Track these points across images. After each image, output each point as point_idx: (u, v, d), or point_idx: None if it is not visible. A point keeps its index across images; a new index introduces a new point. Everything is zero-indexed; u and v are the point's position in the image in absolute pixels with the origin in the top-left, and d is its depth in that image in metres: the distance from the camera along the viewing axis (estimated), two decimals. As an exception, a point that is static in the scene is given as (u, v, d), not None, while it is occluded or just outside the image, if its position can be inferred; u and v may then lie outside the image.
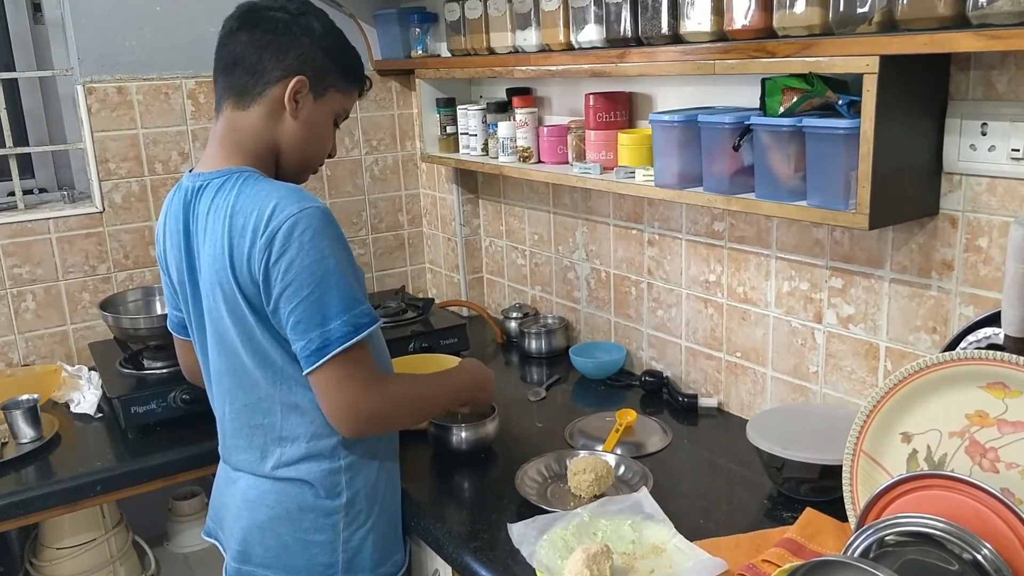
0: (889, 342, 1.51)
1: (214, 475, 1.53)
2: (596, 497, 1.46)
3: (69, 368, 2.15)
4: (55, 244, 2.22)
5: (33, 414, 1.82)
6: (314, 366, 1.24)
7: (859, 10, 1.21)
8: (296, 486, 1.37)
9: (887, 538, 1.06)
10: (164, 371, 1.96)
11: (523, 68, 1.88)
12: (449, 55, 2.20)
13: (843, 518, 1.28)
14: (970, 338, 1.30)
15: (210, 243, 1.28)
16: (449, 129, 2.33)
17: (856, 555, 1.07)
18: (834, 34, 1.26)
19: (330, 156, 1.45)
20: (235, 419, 1.39)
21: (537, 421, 1.87)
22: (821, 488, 1.40)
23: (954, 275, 1.39)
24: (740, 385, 1.82)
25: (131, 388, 1.88)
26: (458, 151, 2.32)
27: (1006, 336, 1.18)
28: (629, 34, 1.60)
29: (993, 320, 1.28)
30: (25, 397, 1.85)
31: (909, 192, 1.33)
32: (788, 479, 1.44)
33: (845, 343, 1.58)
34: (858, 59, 1.21)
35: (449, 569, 1.46)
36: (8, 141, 2.21)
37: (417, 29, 2.35)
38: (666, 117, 1.57)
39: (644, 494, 1.43)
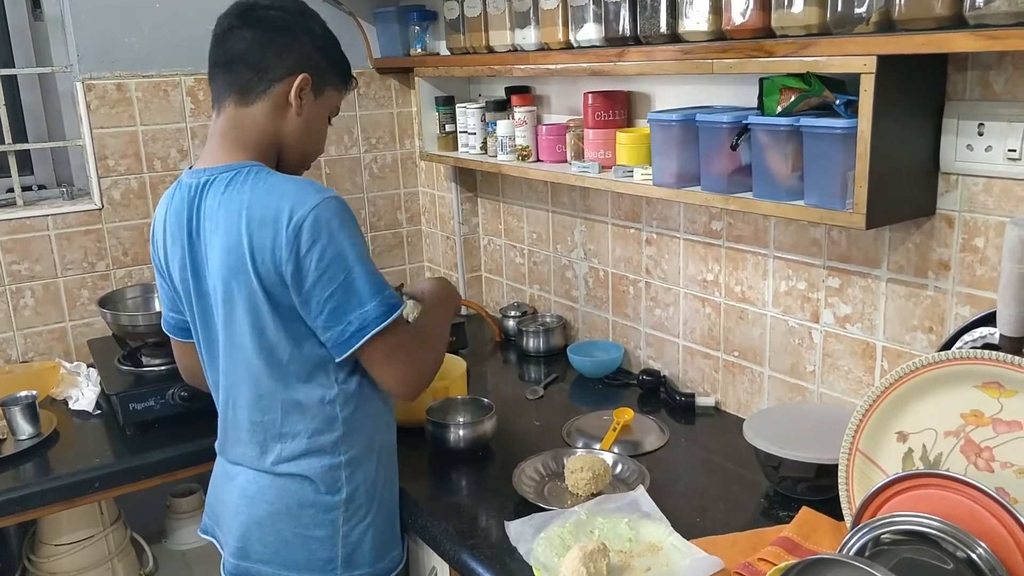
0: (886, 341, 1.51)
1: (211, 472, 1.54)
2: (593, 495, 1.47)
3: (68, 365, 2.15)
4: (54, 241, 2.22)
5: (31, 411, 1.83)
6: (353, 348, 1.29)
7: (857, 10, 1.21)
8: (296, 482, 1.37)
9: (882, 537, 1.07)
10: (162, 368, 1.96)
11: (522, 67, 1.89)
12: (448, 53, 2.20)
13: (839, 517, 1.28)
14: (966, 337, 1.30)
15: (223, 236, 1.28)
16: (448, 127, 2.33)
17: (851, 553, 1.07)
18: (832, 34, 1.26)
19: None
20: (237, 414, 1.39)
21: (535, 419, 1.87)
22: (817, 487, 1.41)
23: (950, 275, 1.39)
24: (737, 384, 1.82)
25: (129, 385, 1.89)
26: (457, 149, 2.32)
27: (1001, 336, 1.18)
28: (628, 33, 1.60)
29: (989, 320, 1.28)
30: (24, 394, 1.85)
31: (906, 192, 1.33)
32: (784, 478, 1.44)
33: (842, 342, 1.58)
34: (855, 59, 1.21)
35: (446, 566, 1.47)
36: (7, 137, 2.21)
37: (416, 27, 2.35)
38: (664, 116, 1.57)
39: (641, 492, 1.43)
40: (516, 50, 1.92)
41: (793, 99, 1.37)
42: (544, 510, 1.42)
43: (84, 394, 2.02)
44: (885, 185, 1.27)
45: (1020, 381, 1.10)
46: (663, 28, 1.52)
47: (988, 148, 1.28)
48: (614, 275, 2.10)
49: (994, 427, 1.13)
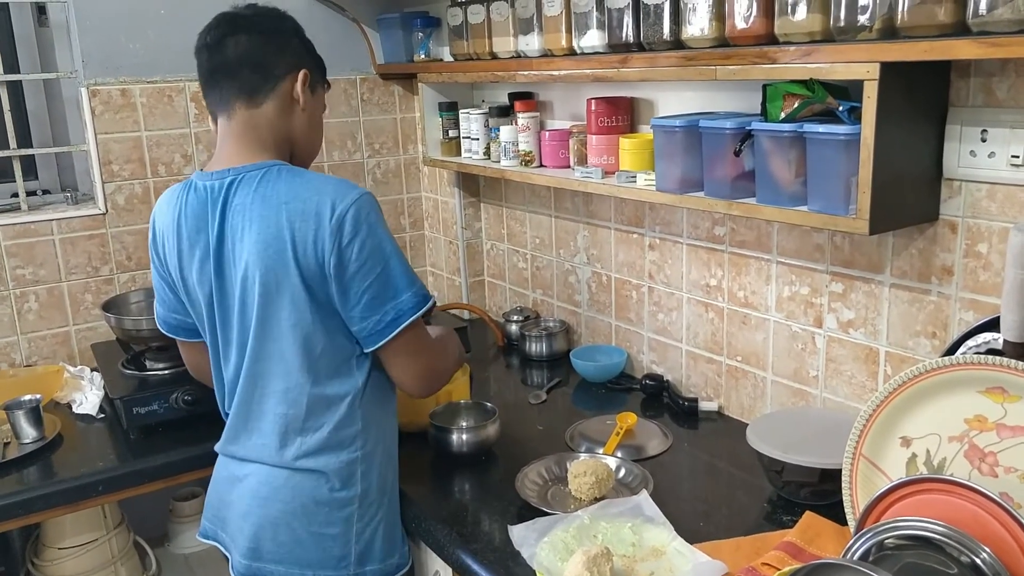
0: (889, 347, 1.51)
1: (214, 476, 1.54)
2: (596, 500, 1.47)
3: (71, 369, 2.15)
4: (58, 245, 2.23)
5: (35, 414, 1.83)
6: (389, 337, 1.34)
7: (860, 17, 1.22)
8: (312, 478, 1.39)
9: (886, 541, 1.07)
10: (166, 372, 1.96)
11: (525, 73, 1.89)
12: (452, 59, 2.21)
13: (843, 522, 1.28)
14: (969, 343, 1.30)
15: (260, 230, 1.31)
16: (451, 133, 2.34)
17: (855, 558, 1.08)
18: (835, 40, 1.27)
19: None
20: (261, 406, 1.40)
21: (538, 424, 1.88)
22: (821, 492, 1.41)
23: (954, 280, 1.39)
24: (740, 389, 1.83)
25: (133, 389, 1.89)
26: (460, 155, 2.32)
27: (1005, 341, 1.18)
28: (631, 39, 1.61)
29: (992, 325, 1.28)
30: (28, 397, 1.86)
31: (909, 198, 1.33)
32: (788, 483, 1.44)
33: (845, 347, 1.59)
34: (859, 65, 1.22)
35: (450, 571, 1.47)
36: (12, 143, 2.22)
37: (420, 33, 2.36)
38: (668, 122, 1.57)
39: (644, 497, 1.43)
40: (519, 56, 1.93)
41: (796, 105, 1.38)
42: (547, 514, 1.42)
43: (88, 398, 2.03)
44: (888, 191, 1.27)
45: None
46: (666, 34, 1.52)
47: (991, 154, 1.29)
48: (617, 280, 2.11)
49: (998, 432, 1.13)
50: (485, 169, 2.17)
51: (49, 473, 1.73)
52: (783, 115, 1.40)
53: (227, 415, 1.47)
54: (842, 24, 1.25)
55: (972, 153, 1.31)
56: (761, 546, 1.31)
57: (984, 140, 1.29)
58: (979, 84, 1.30)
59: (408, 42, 2.39)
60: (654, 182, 1.64)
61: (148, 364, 2.01)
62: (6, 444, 1.82)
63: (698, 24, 1.46)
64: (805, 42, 1.31)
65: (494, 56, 2.01)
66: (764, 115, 1.44)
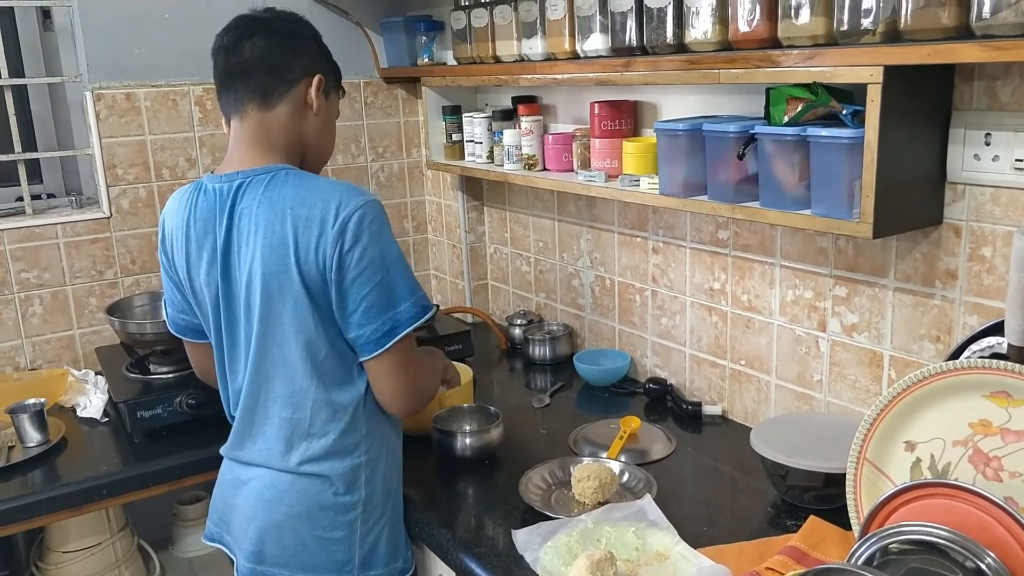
0: (893, 351, 1.51)
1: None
2: (600, 504, 1.47)
3: (76, 372, 2.16)
4: (63, 249, 2.23)
5: (40, 418, 1.83)
6: (384, 348, 1.33)
7: (863, 20, 1.22)
8: (317, 483, 1.39)
9: (891, 546, 1.07)
10: (170, 376, 1.97)
11: (529, 76, 1.89)
12: (455, 63, 2.21)
13: (847, 526, 1.28)
14: (974, 347, 1.30)
15: (264, 235, 1.31)
16: (455, 137, 2.34)
17: (859, 563, 1.07)
18: (838, 44, 1.27)
19: None
20: (266, 410, 1.40)
21: (541, 428, 1.87)
22: (825, 496, 1.40)
23: (958, 284, 1.39)
24: (744, 393, 1.82)
25: (137, 393, 1.89)
26: (463, 158, 2.33)
27: (1009, 345, 1.18)
28: (634, 43, 1.61)
29: (997, 329, 1.28)
30: (32, 401, 1.86)
31: (913, 201, 1.33)
32: (792, 487, 1.44)
33: (849, 351, 1.58)
34: (862, 69, 1.21)
35: (453, 574, 1.47)
36: (17, 146, 2.23)
37: (423, 37, 2.36)
38: (671, 126, 1.57)
39: (648, 501, 1.43)
40: (523, 60, 1.93)
41: (800, 109, 1.38)
42: (551, 519, 1.42)
43: (92, 402, 2.03)
44: (892, 195, 1.27)
45: (1028, 391, 1.10)
46: (669, 38, 1.52)
47: (995, 158, 1.29)
48: (620, 283, 2.11)
49: (1002, 437, 1.13)
50: (488, 173, 2.17)
51: (53, 477, 1.74)
52: (786, 119, 1.40)
53: (232, 418, 1.47)
54: (845, 27, 1.24)
55: (976, 157, 1.31)
56: (765, 551, 1.31)
57: (988, 144, 1.29)
58: (983, 87, 1.30)
59: (412, 46, 2.39)
60: (657, 186, 1.64)
61: (152, 368, 2.01)
62: (10, 448, 1.82)
63: (701, 28, 1.46)
64: (808, 45, 1.30)
65: (497, 60, 2.01)
66: (767, 119, 1.44)
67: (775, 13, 1.34)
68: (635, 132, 1.89)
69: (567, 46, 1.78)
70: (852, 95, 1.37)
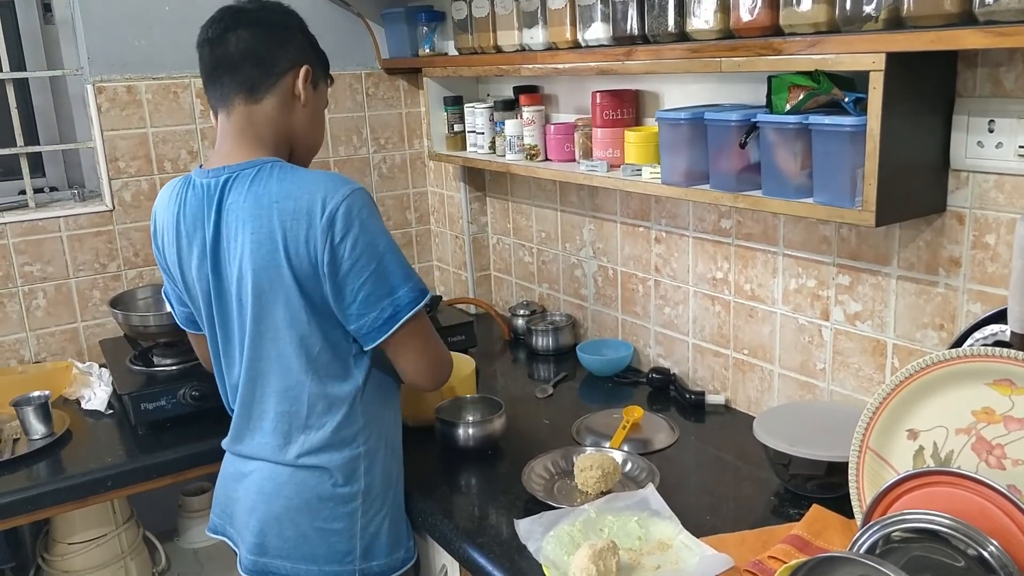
0: (896, 339, 1.51)
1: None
2: (603, 493, 1.47)
3: (80, 365, 2.16)
4: (65, 242, 2.24)
5: (44, 410, 1.84)
6: (388, 334, 1.33)
7: (865, 7, 1.21)
8: (315, 475, 1.39)
9: (893, 534, 1.06)
10: (174, 368, 1.97)
11: (530, 66, 1.89)
12: (456, 53, 2.21)
13: (849, 514, 1.28)
14: (977, 335, 1.30)
15: (252, 230, 1.30)
16: (456, 127, 2.33)
17: (862, 551, 1.07)
18: (841, 31, 1.26)
19: None
20: (262, 405, 1.41)
21: (544, 418, 1.88)
22: (828, 485, 1.40)
23: (961, 272, 1.38)
24: (747, 382, 1.82)
25: (141, 385, 1.90)
26: (465, 149, 2.32)
27: (1012, 333, 1.18)
28: (636, 32, 1.60)
29: (1000, 317, 1.28)
30: (36, 394, 1.86)
31: (916, 189, 1.33)
32: (795, 476, 1.44)
33: (852, 340, 1.58)
34: (865, 56, 1.21)
35: (456, 564, 1.47)
36: (19, 140, 2.23)
37: (424, 28, 2.35)
38: (673, 115, 1.57)
39: (651, 490, 1.43)
40: (524, 50, 1.93)
41: (802, 97, 1.37)
42: (553, 508, 1.42)
43: (96, 394, 2.03)
44: (895, 182, 1.27)
45: (1031, 378, 1.10)
46: (671, 27, 1.52)
47: (999, 145, 1.28)
48: (623, 273, 2.10)
49: (1005, 424, 1.13)
50: (490, 163, 2.16)
51: (58, 469, 1.74)
52: (788, 107, 1.39)
53: (232, 411, 1.47)
54: (848, 14, 1.24)
55: (979, 144, 1.30)
56: (768, 539, 1.31)
57: (991, 130, 1.28)
58: (986, 74, 1.29)
59: (413, 36, 2.39)
60: (659, 175, 1.64)
61: (156, 360, 2.02)
62: (15, 440, 1.83)
63: (703, 16, 1.45)
64: (810, 33, 1.30)
65: (499, 50, 2.01)
66: (769, 107, 1.44)
67: (777, 1, 1.33)
68: (637, 121, 1.88)
69: (568, 35, 1.78)
70: (854, 82, 1.36)
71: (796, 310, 1.68)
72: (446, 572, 1.53)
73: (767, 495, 1.48)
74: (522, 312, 2.37)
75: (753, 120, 1.43)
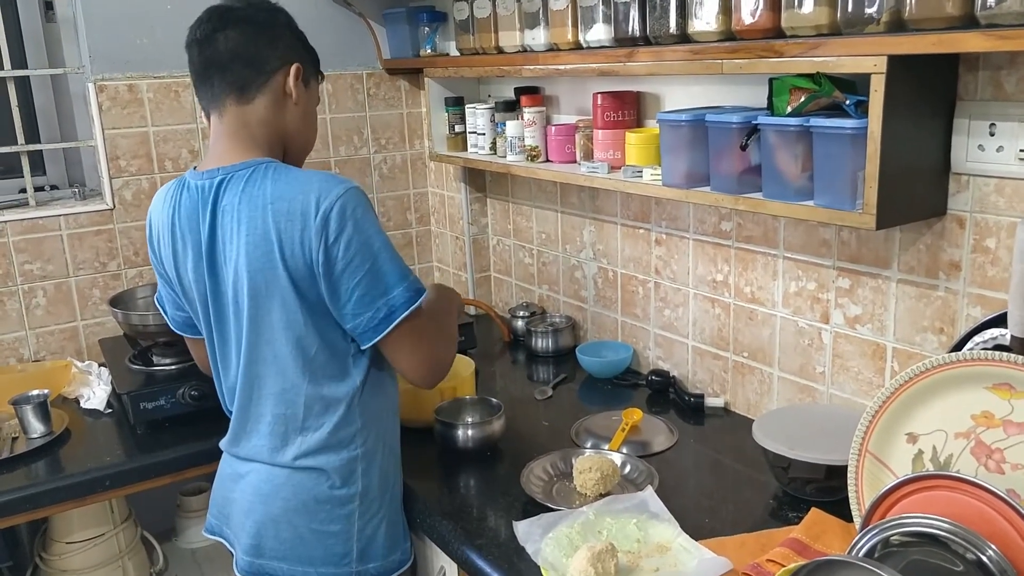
0: (896, 342, 1.50)
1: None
2: (601, 496, 1.46)
3: (79, 364, 2.16)
4: (66, 241, 2.24)
5: (43, 409, 1.84)
6: (383, 333, 1.32)
7: (867, 10, 1.21)
8: (312, 477, 1.38)
9: (892, 538, 1.06)
10: (173, 367, 1.97)
11: (531, 67, 1.89)
12: (458, 54, 2.20)
13: (849, 518, 1.28)
14: (977, 339, 1.30)
15: (247, 232, 1.30)
16: (457, 128, 2.33)
17: (860, 555, 1.07)
18: (842, 34, 1.26)
19: None
20: (259, 407, 1.40)
21: (543, 420, 1.87)
22: (827, 488, 1.40)
23: (961, 276, 1.38)
24: (747, 385, 1.82)
25: (140, 384, 1.89)
26: (466, 150, 2.32)
27: (1012, 337, 1.18)
28: (637, 33, 1.60)
29: (1000, 321, 1.27)
30: (35, 392, 1.86)
31: (917, 192, 1.32)
32: (794, 479, 1.44)
33: (852, 343, 1.58)
34: (866, 59, 1.21)
35: (454, 566, 1.47)
36: (20, 138, 2.23)
37: (426, 28, 2.35)
38: (674, 116, 1.57)
39: (649, 493, 1.43)
40: (525, 51, 1.93)
41: (803, 99, 1.37)
42: (552, 510, 1.42)
43: (95, 393, 2.03)
44: (895, 186, 1.27)
45: (1031, 382, 1.10)
46: (672, 28, 1.52)
47: (999, 148, 1.28)
48: (623, 275, 2.10)
49: (1005, 429, 1.13)
50: (491, 164, 2.16)
51: (56, 468, 1.74)
52: (789, 109, 1.39)
53: (230, 413, 1.47)
54: (849, 17, 1.24)
55: (980, 147, 1.30)
56: (766, 542, 1.31)
57: (992, 134, 1.28)
58: (987, 77, 1.29)
59: (414, 37, 2.39)
60: (660, 177, 1.64)
61: (155, 359, 2.01)
62: (14, 439, 1.82)
63: (704, 18, 1.45)
64: (812, 35, 1.30)
65: (500, 50, 2.00)
66: (770, 109, 1.43)
67: (779, 3, 1.33)
68: (638, 123, 1.88)
69: (570, 36, 1.77)
70: (856, 85, 1.36)
71: (796, 313, 1.67)
72: (444, 574, 1.53)
73: (766, 498, 1.48)
74: (522, 313, 2.37)
75: (754, 122, 1.43)
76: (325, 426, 1.38)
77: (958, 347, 1.32)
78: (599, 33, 1.69)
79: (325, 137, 2.54)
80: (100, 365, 2.16)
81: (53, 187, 2.48)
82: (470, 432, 1.68)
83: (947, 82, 1.31)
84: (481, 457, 1.68)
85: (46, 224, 2.21)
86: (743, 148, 1.45)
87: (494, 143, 2.20)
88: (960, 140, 1.32)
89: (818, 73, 1.34)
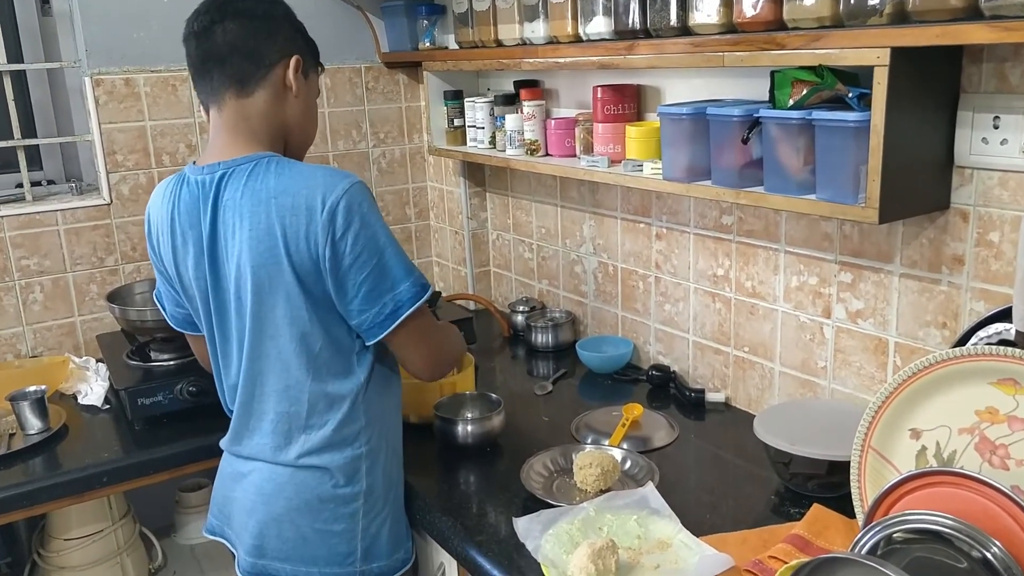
0: (898, 337, 1.49)
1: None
2: (602, 492, 1.46)
3: (77, 360, 2.15)
4: (63, 236, 2.22)
5: (40, 405, 1.83)
6: (390, 329, 1.32)
7: (870, 2, 1.20)
8: (316, 476, 1.37)
9: (895, 535, 1.05)
10: (171, 363, 1.96)
11: (531, 60, 1.87)
12: (457, 47, 2.19)
13: (851, 514, 1.27)
14: (981, 334, 1.29)
15: (251, 227, 1.28)
16: (456, 122, 2.32)
17: (863, 552, 1.06)
18: (845, 26, 1.25)
19: None
20: (262, 405, 1.39)
21: (543, 415, 1.86)
22: (829, 484, 1.39)
23: (965, 270, 1.37)
24: (748, 380, 1.81)
25: (138, 380, 1.88)
26: (465, 144, 2.31)
27: (1017, 332, 1.17)
28: (637, 26, 1.58)
29: (1004, 316, 1.26)
30: (33, 388, 1.85)
31: (920, 186, 1.31)
32: (795, 474, 1.43)
33: (854, 338, 1.57)
34: (869, 51, 1.19)
35: (454, 563, 1.46)
36: (16, 133, 2.21)
37: (425, 21, 2.34)
38: (674, 110, 1.56)
39: (650, 489, 1.42)
40: (525, 44, 1.91)
41: (805, 92, 1.36)
42: (552, 506, 1.41)
43: (93, 389, 2.02)
44: (898, 179, 1.25)
45: (1036, 378, 1.09)
46: (673, 21, 1.50)
47: (1004, 141, 1.27)
48: (623, 270, 2.09)
49: (1009, 424, 1.12)
50: (490, 158, 2.15)
51: (54, 464, 1.73)
52: (791, 102, 1.38)
53: (230, 411, 1.46)
54: (852, 8, 1.22)
55: (984, 140, 1.29)
56: (768, 539, 1.30)
57: (996, 127, 1.27)
58: (991, 69, 1.27)
59: (413, 30, 2.37)
60: (661, 171, 1.62)
61: (153, 355, 2.00)
62: (11, 435, 1.82)
63: (705, 10, 1.44)
64: (814, 27, 1.28)
65: (499, 44, 1.99)
66: (772, 102, 1.42)
67: (780, -6, 1.32)
68: (638, 116, 1.87)
69: (569, 29, 1.76)
70: (858, 78, 1.35)
71: (797, 307, 1.66)
72: (444, 571, 1.52)
73: (767, 494, 1.47)
74: (522, 308, 2.36)
75: (756, 115, 1.42)
76: (329, 424, 1.37)
77: (962, 342, 1.31)
78: (599, 26, 1.68)
79: (324, 131, 2.52)
80: (98, 361, 2.16)
81: (50, 182, 2.47)
82: (470, 428, 1.67)
83: (951, 74, 1.30)
84: (481, 453, 1.67)
85: (43, 219, 2.20)
86: (744, 141, 1.44)
87: (493, 137, 2.18)
88: (964, 133, 1.31)
89: (820, 66, 1.33)
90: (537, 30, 1.85)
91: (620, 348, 2.08)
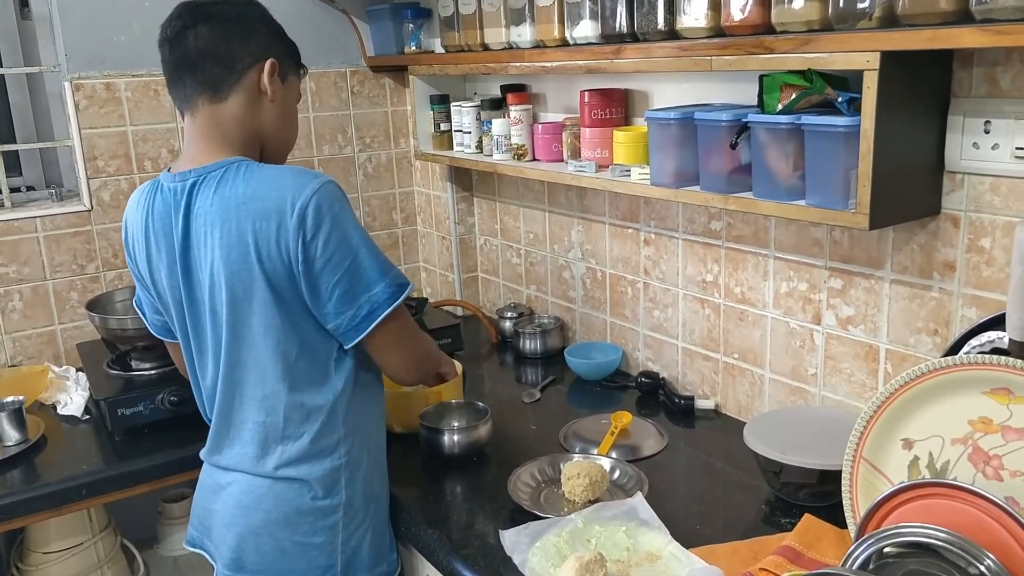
0: (889, 344, 1.48)
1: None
2: (590, 502, 1.44)
3: (56, 369, 2.12)
4: (42, 243, 2.19)
5: (18, 416, 1.79)
6: (367, 331, 1.29)
7: (859, 5, 1.18)
8: (294, 488, 1.35)
9: (887, 549, 1.04)
10: (152, 373, 1.93)
11: (517, 64, 1.85)
12: (443, 51, 2.17)
13: (842, 524, 1.25)
14: (973, 342, 1.27)
15: (222, 234, 1.26)
16: (443, 126, 2.30)
17: (855, 566, 1.04)
18: (834, 30, 1.23)
19: None
20: (240, 414, 1.36)
21: (531, 423, 1.84)
22: (820, 493, 1.37)
23: (956, 276, 1.36)
24: (737, 387, 1.79)
25: (118, 390, 1.85)
26: (452, 148, 2.29)
27: (1011, 340, 1.15)
28: (625, 30, 1.57)
29: (996, 323, 1.25)
30: (10, 399, 1.82)
31: (910, 191, 1.30)
32: (786, 484, 1.41)
33: (844, 345, 1.55)
34: (858, 55, 1.18)
35: (440, 576, 1.44)
36: (-6, 138, 2.18)
37: (411, 25, 2.32)
38: (662, 114, 1.54)
39: (639, 499, 1.40)
40: (511, 48, 1.89)
41: (794, 97, 1.34)
42: (540, 518, 1.39)
43: (73, 399, 1.99)
44: (889, 184, 1.24)
45: (1029, 387, 1.07)
46: (661, 25, 1.49)
47: (995, 146, 1.25)
48: (612, 276, 2.07)
49: (1003, 434, 1.10)
50: (477, 163, 2.13)
51: (33, 476, 1.70)
52: (780, 107, 1.36)
53: (209, 420, 1.43)
54: (841, 12, 1.21)
55: (975, 145, 1.28)
56: (759, 550, 1.28)
57: (987, 132, 1.26)
58: (982, 74, 1.26)
59: (399, 34, 2.35)
60: (649, 176, 1.61)
61: (134, 364, 1.97)
62: (-12, 447, 1.78)
63: (693, 14, 1.42)
64: (803, 31, 1.27)
65: (486, 47, 1.97)
66: (761, 107, 1.41)
67: (769, -2, 1.31)
68: (626, 121, 1.85)
69: (556, 33, 1.74)
70: (848, 82, 1.34)
71: (787, 314, 1.65)
72: (430, 583, 1.50)
73: (758, 503, 1.45)
74: (509, 314, 2.34)
75: (744, 120, 1.40)
76: (306, 435, 1.34)
77: (954, 349, 1.30)
78: (586, 30, 1.66)
79: (308, 136, 2.50)
80: (78, 370, 2.12)
81: (29, 188, 2.43)
82: (456, 437, 1.64)
83: (941, 79, 1.29)
84: (467, 463, 1.65)
85: (22, 226, 2.16)
86: (733, 147, 1.42)
87: (480, 142, 2.16)
88: (954, 138, 1.30)
89: (809, 70, 1.31)
90: (524, 34, 1.83)
91: (609, 354, 2.06)
